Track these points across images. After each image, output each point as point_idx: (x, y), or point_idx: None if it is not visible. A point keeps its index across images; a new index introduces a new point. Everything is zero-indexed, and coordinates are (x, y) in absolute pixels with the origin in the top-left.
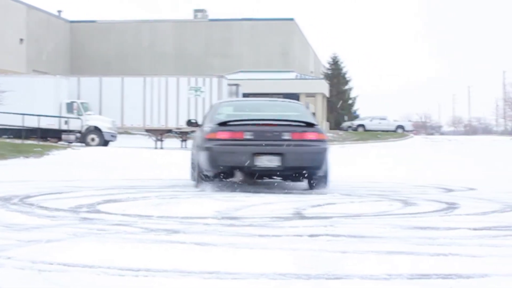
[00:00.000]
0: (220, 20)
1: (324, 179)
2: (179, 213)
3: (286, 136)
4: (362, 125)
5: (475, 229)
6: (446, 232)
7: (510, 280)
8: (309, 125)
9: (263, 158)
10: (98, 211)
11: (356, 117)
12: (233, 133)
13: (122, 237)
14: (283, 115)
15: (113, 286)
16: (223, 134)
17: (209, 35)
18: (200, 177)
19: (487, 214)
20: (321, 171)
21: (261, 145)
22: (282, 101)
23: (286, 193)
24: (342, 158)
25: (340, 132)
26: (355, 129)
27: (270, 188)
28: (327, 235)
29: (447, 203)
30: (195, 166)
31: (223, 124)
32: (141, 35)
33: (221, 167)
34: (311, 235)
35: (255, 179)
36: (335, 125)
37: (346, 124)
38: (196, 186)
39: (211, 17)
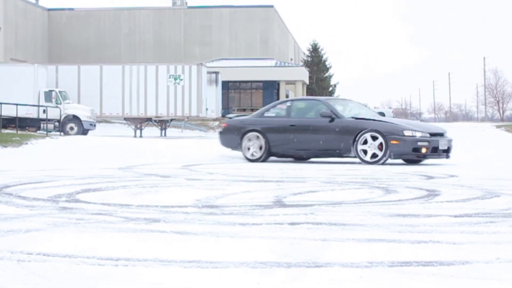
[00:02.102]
0: (199, 7)
1: None
2: (159, 202)
3: None
4: None
5: (456, 216)
6: (427, 219)
7: (491, 267)
8: None
9: None
10: (78, 201)
11: None
12: None
13: (101, 226)
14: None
15: (93, 275)
16: None
17: (188, 23)
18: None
19: (468, 201)
20: None
21: None
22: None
23: (266, 181)
24: None
25: None
26: None
27: (247, 176)
28: (307, 223)
29: (428, 190)
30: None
31: None
32: (120, 22)
33: None
34: (291, 223)
35: None
36: None
37: None
38: None
39: (190, 4)
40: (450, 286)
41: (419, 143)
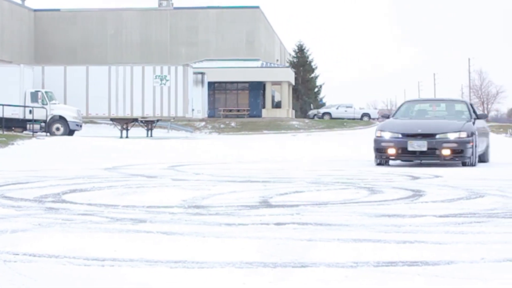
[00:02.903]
0: (185, 8)
1: None
2: (145, 202)
3: None
4: (328, 113)
5: (441, 216)
6: (412, 219)
7: (476, 267)
8: None
9: None
10: (64, 201)
11: (322, 105)
12: None
13: (88, 226)
14: None
15: (79, 275)
16: None
17: (174, 24)
18: None
19: (452, 201)
20: None
21: None
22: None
23: (252, 181)
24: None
25: (306, 120)
26: (321, 117)
27: (233, 176)
28: (293, 223)
29: (413, 190)
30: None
31: None
32: (106, 23)
33: None
34: (277, 223)
35: None
36: (301, 113)
37: (312, 112)
38: None
39: (176, 5)
40: (435, 286)
41: (383, 144)
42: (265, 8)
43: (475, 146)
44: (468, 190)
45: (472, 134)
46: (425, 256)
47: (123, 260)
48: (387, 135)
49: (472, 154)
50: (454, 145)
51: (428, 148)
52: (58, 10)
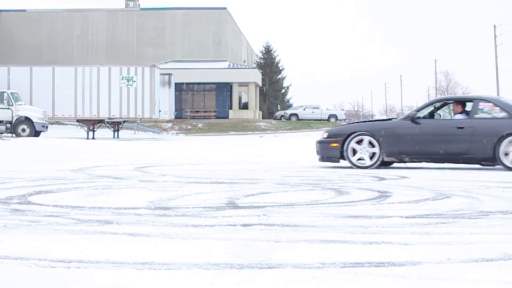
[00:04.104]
0: (152, 9)
1: None
2: (111, 204)
3: None
4: (295, 114)
5: (407, 217)
6: (379, 220)
7: (442, 268)
8: None
9: None
10: (29, 203)
11: (289, 106)
12: None
13: (53, 228)
14: None
15: (45, 278)
16: None
17: (141, 24)
18: None
19: (419, 202)
20: None
21: None
22: None
23: (219, 182)
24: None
25: (273, 121)
26: (288, 118)
27: (200, 177)
28: (260, 224)
29: (379, 191)
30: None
31: None
32: (73, 24)
33: None
34: (244, 225)
35: None
36: (268, 114)
37: (279, 113)
38: None
39: (143, 6)
40: (402, 287)
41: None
42: (232, 9)
43: None
44: (434, 191)
45: None
46: (391, 257)
47: (89, 262)
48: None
49: None
50: None
51: None
52: (24, 10)
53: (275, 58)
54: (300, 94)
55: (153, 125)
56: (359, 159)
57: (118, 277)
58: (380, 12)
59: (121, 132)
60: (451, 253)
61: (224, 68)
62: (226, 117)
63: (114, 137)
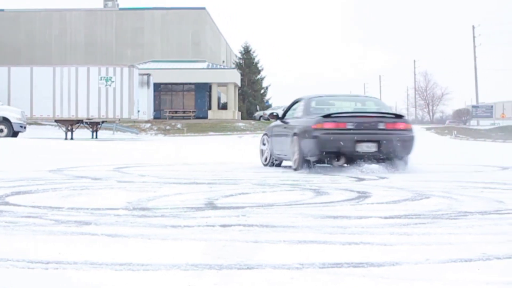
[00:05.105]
0: (131, 9)
1: (405, 162)
2: (90, 205)
3: (381, 126)
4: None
5: (386, 218)
6: (358, 221)
7: (421, 268)
8: (398, 116)
9: (363, 144)
10: (7, 203)
11: (268, 106)
12: (338, 124)
13: (31, 229)
14: (371, 108)
15: (23, 279)
16: (329, 125)
17: (120, 24)
18: (302, 162)
19: (398, 202)
20: (408, 156)
21: (361, 133)
22: (364, 96)
23: (198, 183)
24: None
25: (252, 122)
26: (267, 119)
27: (179, 178)
28: (239, 225)
29: (358, 192)
30: (273, 153)
31: (327, 116)
32: (51, 24)
33: (327, 153)
34: (223, 225)
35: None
36: (247, 114)
37: (258, 113)
38: (296, 169)
39: (121, 6)
40: (381, 287)
41: None
42: (211, 9)
43: None
44: (413, 192)
45: None
46: (370, 258)
47: (67, 263)
48: None
49: None
50: None
51: None
52: (1, 10)
53: (254, 59)
54: (279, 95)
55: (132, 125)
56: (265, 159)
57: (97, 278)
58: (359, 12)
59: (99, 132)
60: (430, 254)
61: (203, 69)
62: (205, 117)
63: (92, 137)
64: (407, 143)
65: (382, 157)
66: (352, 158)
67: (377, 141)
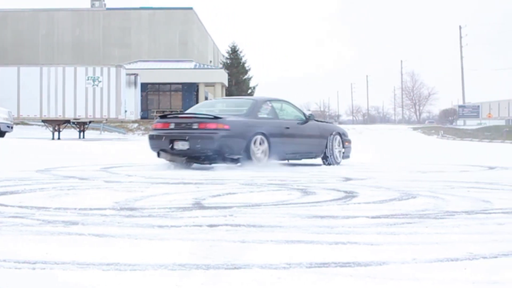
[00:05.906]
0: (118, 9)
1: (223, 159)
2: (77, 205)
3: (195, 126)
4: None
5: (373, 217)
6: (345, 220)
7: (408, 267)
8: (216, 118)
9: (178, 143)
10: None
11: None
12: (164, 124)
13: (18, 229)
14: (221, 110)
15: (9, 279)
16: (159, 125)
17: (107, 24)
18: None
19: (385, 202)
20: (222, 153)
21: (177, 133)
22: (239, 98)
23: (185, 183)
24: None
25: None
26: None
27: (166, 178)
28: (226, 225)
29: (345, 191)
30: None
31: (163, 117)
32: (38, 24)
33: (155, 149)
34: (210, 225)
35: (186, 161)
36: None
37: None
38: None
39: (109, 5)
40: (368, 287)
41: None
42: (198, 9)
43: None
44: (400, 191)
45: None
46: (357, 257)
47: (54, 263)
48: None
49: None
50: None
51: None
52: None
53: (241, 59)
54: (266, 94)
55: (119, 125)
56: None
57: (84, 278)
58: (346, 12)
59: (87, 132)
60: (417, 253)
61: (191, 68)
62: None
63: (79, 137)
64: (212, 140)
65: (193, 155)
66: (172, 155)
67: (187, 140)
